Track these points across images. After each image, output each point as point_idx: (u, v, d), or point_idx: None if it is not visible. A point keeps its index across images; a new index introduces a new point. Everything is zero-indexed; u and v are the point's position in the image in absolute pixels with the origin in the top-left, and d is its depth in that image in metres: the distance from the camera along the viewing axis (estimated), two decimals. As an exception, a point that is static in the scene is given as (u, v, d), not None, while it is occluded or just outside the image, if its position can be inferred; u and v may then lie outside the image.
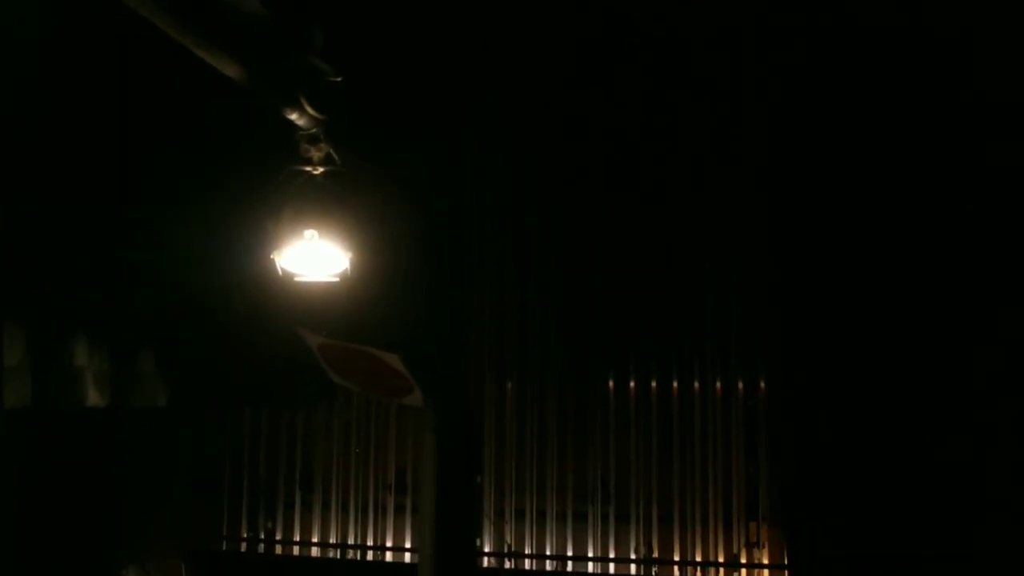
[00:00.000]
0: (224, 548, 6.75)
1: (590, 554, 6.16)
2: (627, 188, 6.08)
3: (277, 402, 6.02)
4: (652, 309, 6.12)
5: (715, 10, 5.64)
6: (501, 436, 6.27)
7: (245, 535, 6.74)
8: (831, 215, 5.51)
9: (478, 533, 6.08)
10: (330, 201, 3.44)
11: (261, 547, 6.72)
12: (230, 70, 2.99)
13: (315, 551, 6.59)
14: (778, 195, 5.75)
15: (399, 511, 6.47)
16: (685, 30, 5.75)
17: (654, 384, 6.17)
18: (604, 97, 5.88)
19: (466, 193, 4.71)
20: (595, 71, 5.89)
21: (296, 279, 3.52)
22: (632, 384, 6.19)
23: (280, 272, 3.47)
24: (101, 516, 6.32)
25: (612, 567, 6.15)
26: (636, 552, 6.12)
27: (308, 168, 3.48)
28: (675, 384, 6.14)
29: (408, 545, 6.41)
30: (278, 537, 6.69)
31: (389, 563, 6.46)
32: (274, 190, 3.44)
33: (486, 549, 6.16)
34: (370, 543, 6.49)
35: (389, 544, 6.47)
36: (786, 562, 5.86)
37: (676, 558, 6.05)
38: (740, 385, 6.04)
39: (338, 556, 6.54)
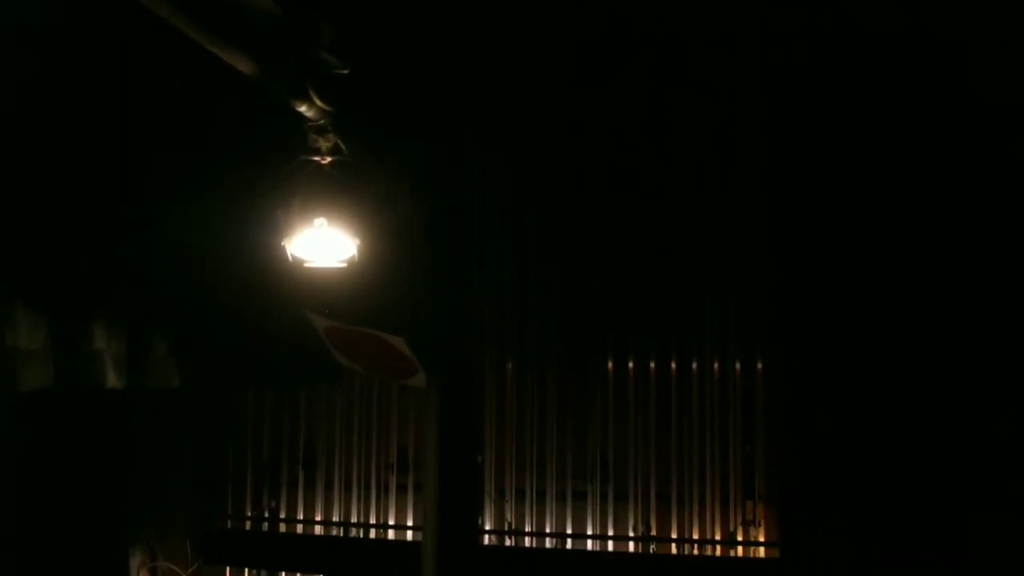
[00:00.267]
0: (229, 527, 6.95)
1: (589, 532, 6.35)
2: (627, 176, 6.22)
3: (284, 382, 6.21)
4: (651, 292, 6.27)
5: (715, 10, 5.77)
6: (501, 417, 6.43)
7: (249, 514, 6.94)
8: (830, 199, 5.63)
9: (479, 512, 6.28)
10: (338, 190, 3.63)
11: (265, 526, 6.93)
12: (244, 66, 3.18)
13: (319, 529, 6.79)
14: (777, 180, 5.87)
15: (401, 490, 6.66)
16: (685, 30, 5.88)
17: (652, 365, 6.32)
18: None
19: (467, 183, 4.87)
20: (596, 70, 6.02)
21: (305, 265, 3.72)
22: (631, 365, 6.34)
23: (290, 258, 3.66)
24: (108, 497, 6.54)
25: (611, 544, 6.34)
26: (634, 530, 6.31)
27: (316, 158, 3.67)
28: (673, 365, 6.28)
29: (410, 523, 6.61)
30: (282, 516, 6.89)
31: (392, 541, 6.65)
32: (284, 179, 3.62)
33: (487, 527, 6.36)
34: (373, 521, 6.69)
35: (392, 522, 6.67)
36: (776, 540, 6.04)
37: (674, 536, 6.23)
38: (738, 366, 6.19)
39: (341, 534, 6.74)
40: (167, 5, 2.80)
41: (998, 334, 5.34)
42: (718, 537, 6.19)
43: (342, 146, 3.65)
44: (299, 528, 6.85)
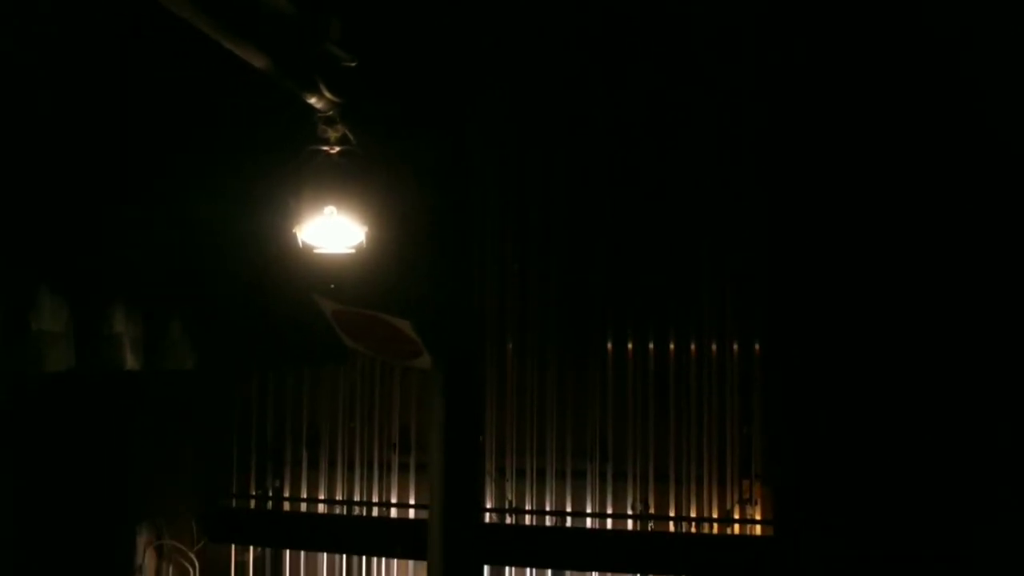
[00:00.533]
0: (234, 506, 7.19)
1: (588, 510, 6.58)
2: (627, 165, 6.40)
3: (292, 364, 6.42)
4: (650, 273, 6.46)
5: (716, 8, 5.92)
6: (502, 397, 6.62)
7: (254, 493, 7.17)
8: (827, 186, 5.76)
9: (480, 490, 6.48)
10: (347, 178, 3.84)
11: (270, 504, 7.17)
12: (258, 61, 3.40)
13: (322, 508, 7.01)
14: (775, 168, 6.00)
15: (403, 469, 6.87)
16: (686, 27, 6.05)
17: (651, 346, 6.50)
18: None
19: (471, 172, 5.05)
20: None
21: (315, 251, 3.93)
22: (630, 346, 6.53)
23: (301, 245, 3.88)
24: (115, 476, 6.74)
25: (610, 522, 6.56)
26: (633, 508, 6.52)
27: (325, 148, 3.88)
28: (672, 347, 6.47)
29: (412, 501, 6.83)
30: (286, 495, 7.12)
31: (394, 519, 6.88)
32: (294, 169, 3.84)
33: (488, 505, 6.56)
34: (375, 500, 6.91)
35: (394, 500, 6.89)
36: (771, 517, 6.24)
37: (671, 514, 6.44)
38: (735, 348, 6.38)
39: (345, 512, 6.97)
40: (189, 6, 3.01)
41: (992, 314, 5.50)
42: (715, 515, 6.41)
43: (350, 136, 3.86)
44: (303, 507, 7.07)
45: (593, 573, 6.62)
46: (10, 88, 3.39)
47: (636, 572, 6.55)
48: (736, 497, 6.41)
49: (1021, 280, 5.47)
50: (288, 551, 7.16)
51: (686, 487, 6.46)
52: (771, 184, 6.03)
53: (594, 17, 5.96)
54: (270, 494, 7.18)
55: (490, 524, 6.54)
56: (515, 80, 6.13)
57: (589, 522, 6.61)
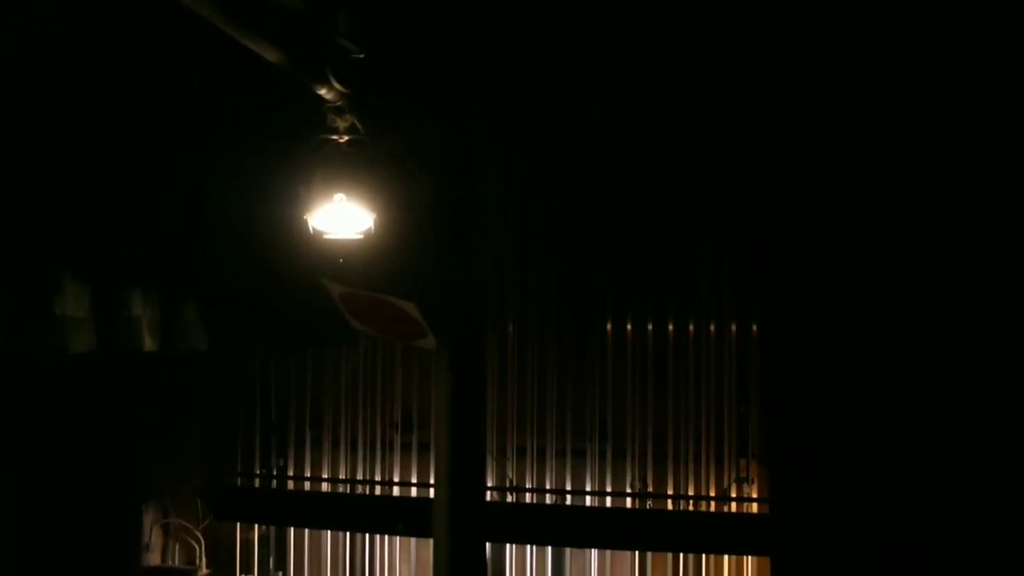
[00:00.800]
0: (239, 485, 7.41)
1: (588, 488, 6.81)
2: (626, 150, 6.60)
3: (299, 345, 6.64)
4: (649, 256, 6.67)
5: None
6: (503, 377, 6.85)
7: (258, 472, 7.39)
8: (823, 170, 5.88)
9: (482, 469, 6.69)
10: (355, 167, 4.06)
11: (274, 483, 7.39)
12: (271, 55, 3.60)
13: (326, 486, 7.25)
14: (772, 153, 6.15)
15: (405, 448, 7.11)
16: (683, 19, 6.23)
17: (650, 327, 6.73)
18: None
19: (473, 160, 5.24)
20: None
21: (325, 236, 4.15)
22: (629, 327, 6.76)
23: (311, 230, 4.10)
24: (123, 457, 6.97)
25: (609, 500, 6.80)
26: (632, 486, 6.77)
27: (335, 137, 4.09)
28: (671, 327, 6.69)
29: (414, 480, 7.07)
30: (290, 474, 7.35)
31: (396, 497, 7.12)
32: (305, 158, 4.05)
33: (489, 484, 6.75)
34: (378, 478, 7.14)
35: (396, 479, 7.12)
36: (767, 496, 6.46)
37: (670, 492, 6.68)
38: (733, 329, 6.61)
39: (348, 491, 7.21)
40: (208, 5, 3.21)
41: (990, 294, 5.64)
42: (712, 493, 6.66)
43: (359, 126, 4.07)
44: (307, 485, 7.31)
45: (592, 550, 6.86)
46: (33, 84, 3.60)
47: (635, 549, 6.81)
48: (733, 476, 6.65)
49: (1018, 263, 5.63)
50: (292, 528, 7.38)
51: (684, 466, 6.70)
52: (769, 169, 6.19)
53: (592, 15, 6.13)
54: (274, 473, 7.39)
55: (491, 502, 6.75)
56: (517, 70, 6.31)
57: (588, 500, 6.85)
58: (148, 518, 7.29)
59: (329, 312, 4.94)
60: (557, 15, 6.18)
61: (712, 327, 6.65)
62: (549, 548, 6.98)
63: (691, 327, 6.69)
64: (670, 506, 6.72)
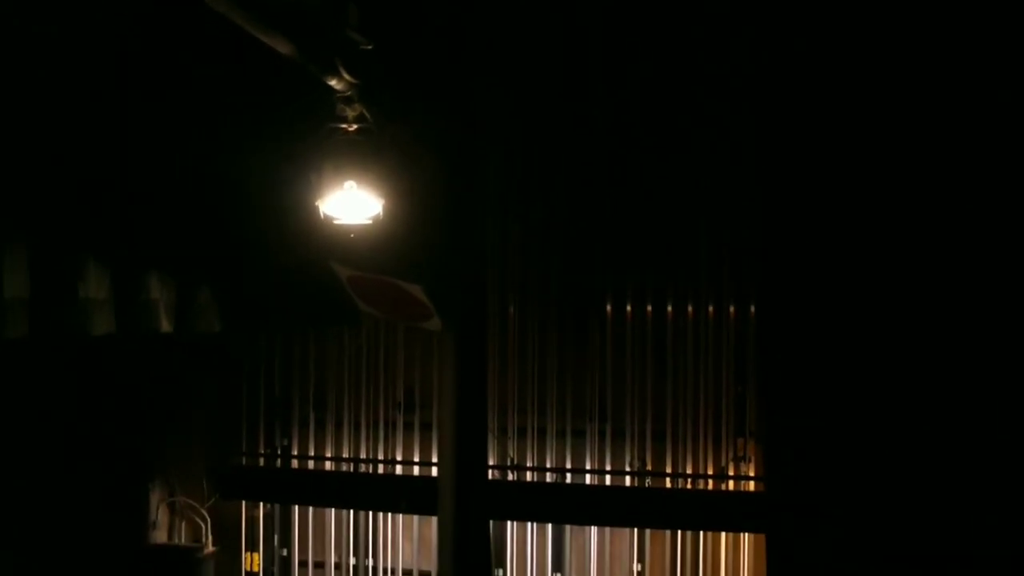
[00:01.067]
0: (244, 464, 7.61)
1: (588, 467, 7.02)
2: (627, 133, 6.78)
3: (306, 327, 6.85)
4: (649, 237, 6.86)
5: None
6: (504, 358, 7.04)
7: (263, 451, 7.60)
8: (819, 153, 5.97)
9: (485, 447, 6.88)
10: (364, 154, 4.27)
11: (278, 462, 7.61)
12: (284, 48, 3.81)
13: (329, 465, 7.46)
14: (769, 136, 6.21)
15: (407, 427, 7.33)
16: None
17: (649, 308, 6.91)
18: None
19: (477, 148, 5.43)
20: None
21: (335, 222, 4.37)
22: (628, 308, 6.94)
23: (322, 216, 4.32)
24: (129, 436, 7.18)
25: (608, 479, 7.01)
26: (631, 465, 6.98)
27: (344, 125, 4.30)
28: (670, 308, 6.88)
29: (417, 459, 7.29)
30: (294, 453, 7.55)
31: (399, 476, 7.33)
32: (315, 145, 4.27)
33: (490, 463, 6.95)
34: (380, 457, 7.36)
35: (399, 458, 7.34)
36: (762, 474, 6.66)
37: (668, 470, 6.90)
38: (731, 309, 6.80)
39: (351, 470, 7.42)
40: (225, 2, 3.42)
41: (984, 277, 5.72)
42: (710, 472, 6.87)
43: (367, 115, 4.28)
44: (311, 464, 7.53)
45: (592, 527, 7.08)
46: (54, 79, 3.81)
47: (633, 526, 7.04)
48: (731, 455, 6.86)
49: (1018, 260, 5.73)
50: (297, 507, 7.59)
51: (682, 445, 6.91)
52: (766, 151, 6.29)
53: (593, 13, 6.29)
54: (279, 452, 7.60)
55: (493, 480, 6.96)
56: (517, 59, 6.50)
57: (588, 479, 7.06)
58: (155, 496, 7.53)
59: (336, 295, 5.16)
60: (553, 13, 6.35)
61: (711, 308, 6.84)
62: (549, 525, 7.18)
63: (690, 308, 6.88)
64: (668, 484, 6.93)
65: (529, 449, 7.13)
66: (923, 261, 5.80)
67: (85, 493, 6.74)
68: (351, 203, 4.29)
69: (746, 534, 6.89)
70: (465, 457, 5.05)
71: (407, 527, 7.43)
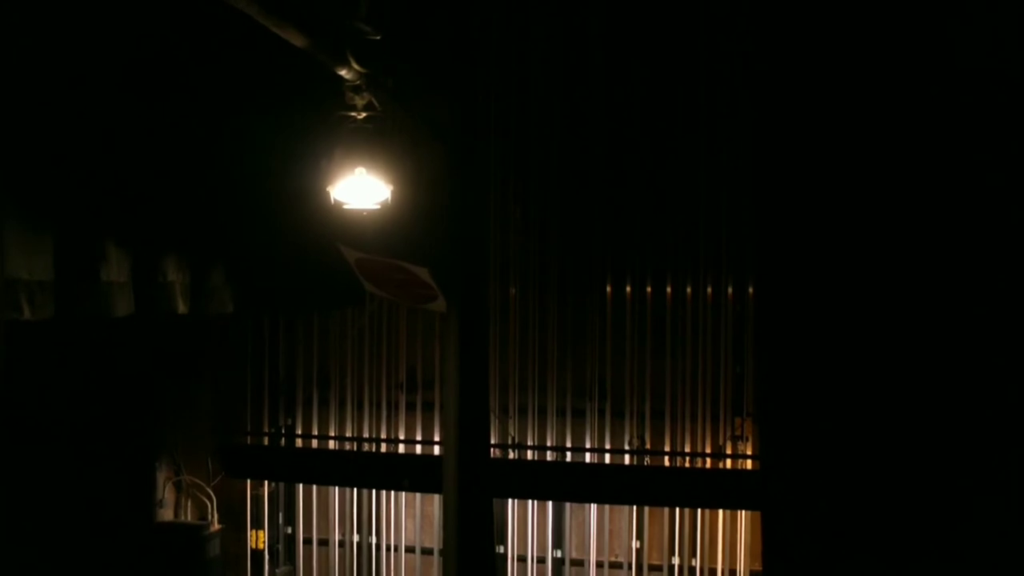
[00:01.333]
0: (249, 443, 7.84)
1: (588, 446, 7.25)
2: (626, 115, 6.97)
3: (313, 308, 7.07)
4: (648, 219, 7.06)
5: None
6: (505, 338, 7.26)
7: (268, 430, 7.84)
8: (815, 135, 6.01)
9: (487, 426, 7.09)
10: (373, 141, 4.50)
11: (283, 441, 7.86)
12: (297, 40, 4.03)
13: (333, 444, 7.69)
14: (765, 118, 6.22)
15: (410, 407, 7.56)
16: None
17: (649, 289, 7.13)
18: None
19: (480, 134, 5.64)
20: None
21: (345, 207, 4.59)
22: (628, 289, 7.16)
23: (332, 201, 4.54)
24: (135, 416, 7.40)
25: (608, 457, 7.24)
26: (630, 444, 7.20)
27: (353, 113, 4.52)
28: (668, 289, 7.09)
29: (419, 438, 7.53)
30: (298, 432, 7.80)
31: (402, 454, 7.58)
32: (326, 132, 4.49)
33: (492, 441, 7.04)
34: (383, 436, 7.59)
35: (401, 437, 7.57)
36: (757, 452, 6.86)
37: (667, 449, 7.12)
38: (730, 291, 7.01)
39: (354, 448, 7.66)
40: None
41: (983, 270, 5.72)
42: (708, 451, 7.09)
43: (376, 103, 4.50)
44: (315, 443, 7.75)
45: (592, 504, 7.32)
46: (77, 73, 4.03)
47: (632, 504, 7.26)
48: (728, 433, 7.09)
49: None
50: (301, 485, 7.84)
51: (681, 424, 7.13)
52: (763, 133, 6.41)
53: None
54: (283, 432, 7.84)
55: (495, 459, 7.11)
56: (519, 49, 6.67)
57: (588, 457, 7.28)
58: (161, 475, 7.77)
59: (342, 276, 5.38)
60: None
61: (709, 289, 7.04)
62: (550, 503, 7.42)
63: (688, 289, 7.08)
64: (667, 462, 7.14)
65: (530, 428, 7.35)
66: (922, 243, 5.94)
67: (93, 473, 6.95)
68: (361, 188, 4.51)
69: (743, 512, 7.11)
70: (469, 435, 5.24)
71: (410, 505, 7.67)
